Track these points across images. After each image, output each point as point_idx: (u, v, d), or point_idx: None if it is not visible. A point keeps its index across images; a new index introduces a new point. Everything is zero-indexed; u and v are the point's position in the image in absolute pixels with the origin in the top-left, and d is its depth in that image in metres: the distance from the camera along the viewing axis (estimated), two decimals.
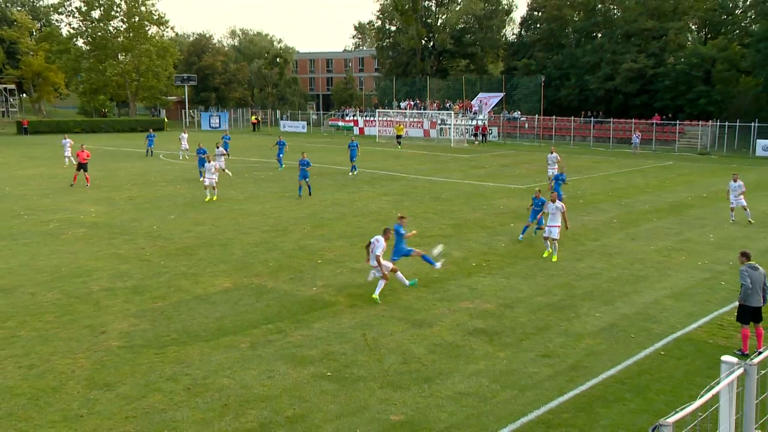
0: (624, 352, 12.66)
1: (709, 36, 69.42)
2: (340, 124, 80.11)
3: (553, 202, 19.50)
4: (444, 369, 11.80)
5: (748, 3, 68.23)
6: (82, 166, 33.80)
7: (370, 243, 15.61)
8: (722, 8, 69.15)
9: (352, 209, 27.37)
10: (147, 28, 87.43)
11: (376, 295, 15.42)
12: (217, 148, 36.13)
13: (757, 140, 52.49)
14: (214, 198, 29.13)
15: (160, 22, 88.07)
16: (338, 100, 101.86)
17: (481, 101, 70.39)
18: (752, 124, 53.04)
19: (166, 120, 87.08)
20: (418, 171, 40.31)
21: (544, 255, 19.54)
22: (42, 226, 23.76)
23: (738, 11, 69.53)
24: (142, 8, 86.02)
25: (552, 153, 33.30)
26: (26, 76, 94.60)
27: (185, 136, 48.63)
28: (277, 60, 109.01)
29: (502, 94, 70.50)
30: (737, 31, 67.87)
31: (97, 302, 15.28)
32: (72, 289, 16.23)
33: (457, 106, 69.46)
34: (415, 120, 69.99)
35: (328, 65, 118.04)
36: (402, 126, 61.32)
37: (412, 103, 75.52)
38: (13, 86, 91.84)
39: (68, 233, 22.54)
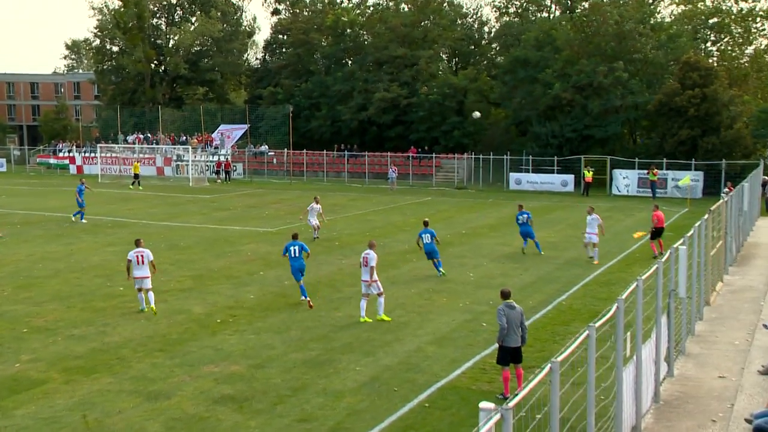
0: (387, 407, 13.13)
1: (459, 66, 75.84)
2: (52, 161, 75.56)
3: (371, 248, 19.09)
4: None
5: (492, 35, 75.84)
6: None
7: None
8: (469, 38, 76.08)
9: (68, 264, 25.77)
10: None
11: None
12: None
13: (510, 173, 58.06)
14: None
15: None
16: (49, 132, 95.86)
17: (222, 134, 70.18)
18: (505, 156, 58.56)
19: None
20: (151, 215, 39.07)
21: (383, 318, 18.75)
22: None
23: (484, 42, 76.93)
24: None
25: (316, 203, 31.81)
26: None
27: None
28: None
29: (246, 126, 70.90)
30: (485, 62, 74.97)
31: None
32: None
33: (196, 140, 68.68)
34: (147, 156, 68.00)
35: (33, 90, 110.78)
36: (138, 164, 59.30)
37: (141, 136, 73.38)
38: None
39: None
